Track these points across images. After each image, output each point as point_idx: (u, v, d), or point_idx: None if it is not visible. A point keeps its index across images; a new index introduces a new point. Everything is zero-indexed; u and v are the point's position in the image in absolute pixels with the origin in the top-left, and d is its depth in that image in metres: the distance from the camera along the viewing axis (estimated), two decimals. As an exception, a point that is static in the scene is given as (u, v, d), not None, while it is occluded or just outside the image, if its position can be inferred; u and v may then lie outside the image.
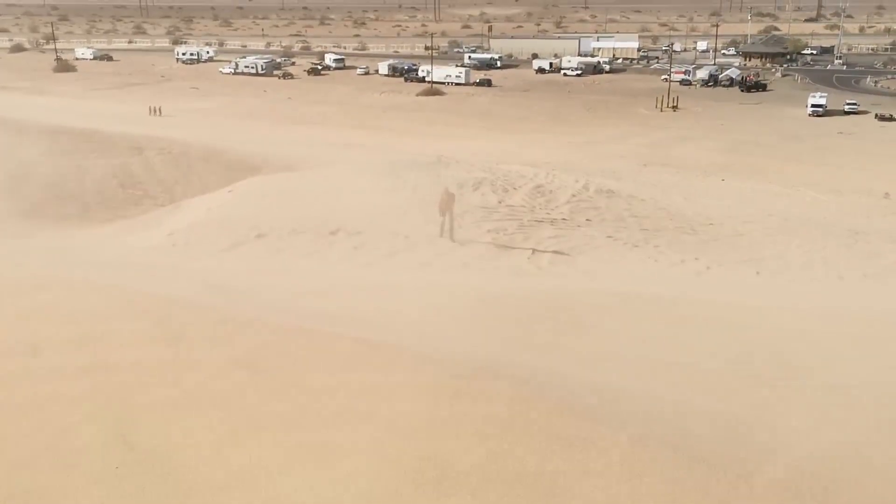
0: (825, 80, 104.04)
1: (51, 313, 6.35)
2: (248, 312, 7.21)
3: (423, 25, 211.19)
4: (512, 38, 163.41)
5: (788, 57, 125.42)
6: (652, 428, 4.64)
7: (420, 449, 3.99)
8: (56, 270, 9.62)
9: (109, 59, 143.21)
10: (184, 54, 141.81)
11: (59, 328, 5.91)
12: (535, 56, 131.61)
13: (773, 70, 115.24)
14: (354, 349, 5.70)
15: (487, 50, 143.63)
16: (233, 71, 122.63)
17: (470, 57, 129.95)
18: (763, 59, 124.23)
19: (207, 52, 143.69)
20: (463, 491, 3.57)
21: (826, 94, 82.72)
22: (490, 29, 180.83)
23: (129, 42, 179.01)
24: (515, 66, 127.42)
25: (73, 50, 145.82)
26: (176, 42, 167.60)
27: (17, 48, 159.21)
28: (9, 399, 4.69)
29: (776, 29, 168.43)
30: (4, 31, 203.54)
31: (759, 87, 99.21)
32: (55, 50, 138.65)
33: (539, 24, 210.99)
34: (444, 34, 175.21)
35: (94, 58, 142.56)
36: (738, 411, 5.57)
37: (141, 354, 5.39)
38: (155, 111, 75.37)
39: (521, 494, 3.55)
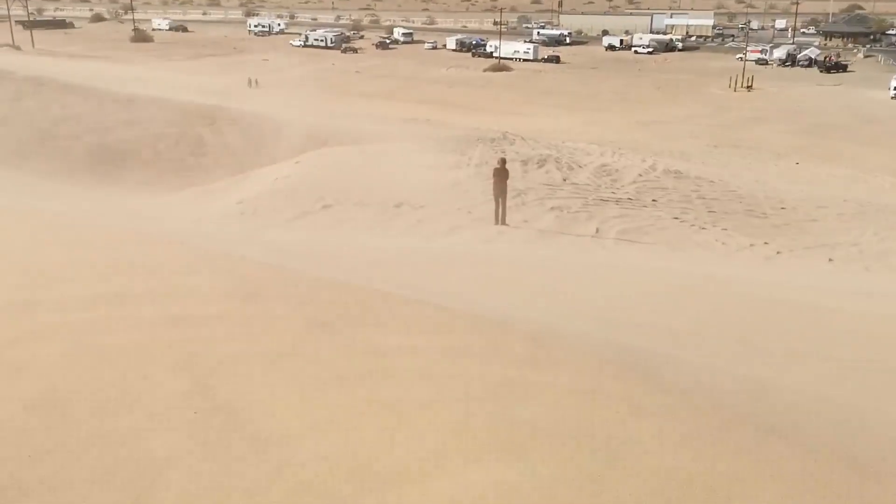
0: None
1: (134, 266, 6.61)
2: (319, 273, 7.37)
3: (493, 0, 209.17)
4: (582, 14, 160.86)
5: (872, 37, 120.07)
6: (723, 399, 4.62)
7: (490, 411, 4.06)
8: (135, 228, 9.99)
9: (184, 30, 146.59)
10: (256, 26, 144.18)
11: (140, 280, 6.15)
12: (605, 32, 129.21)
13: (855, 50, 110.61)
14: (425, 312, 5.79)
15: (557, 26, 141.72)
16: (303, 44, 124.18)
17: (539, 33, 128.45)
18: (844, 39, 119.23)
19: (279, 25, 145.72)
20: (533, 452, 3.62)
21: (911, 77, 79.10)
22: (560, 4, 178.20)
23: (204, 13, 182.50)
24: (585, 43, 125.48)
25: (149, 20, 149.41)
26: (248, 14, 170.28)
27: (97, 18, 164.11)
28: (94, 347, 4.92)
29: (860, 8, 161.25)
30: (85, 0, 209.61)
31: (840, 67, 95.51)
32: (133, 20, 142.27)
33: (611, 0, 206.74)
34: (513, 9, 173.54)
35: (170, 28, 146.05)
36: (814, 390, 5.49)
37: (219, 309, 5.59)
38: (253, 83, 77.53)
39: (596, 460, 3.58)
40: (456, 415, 3.96)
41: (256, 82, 78.31)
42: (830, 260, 19.30)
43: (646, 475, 3.48)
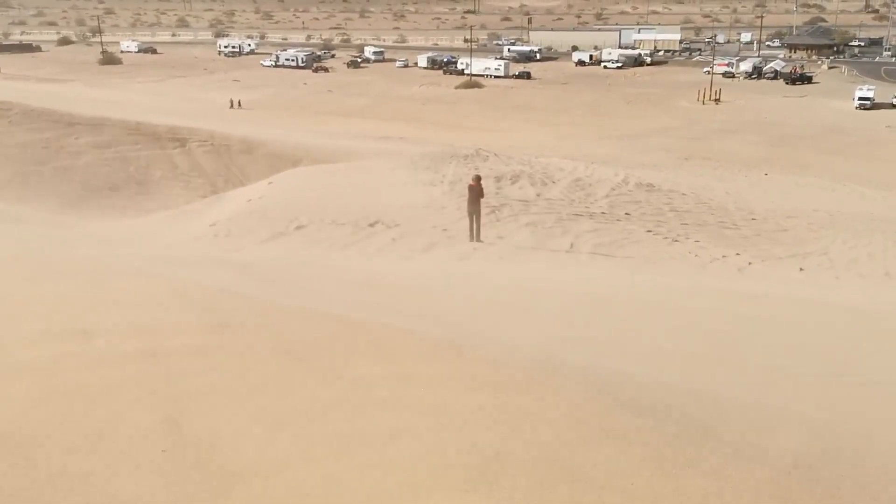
0: (873, 72, 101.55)
1: (100, 300, 6.51)
2: (292, 302, 7.32)
3: (463, 18, 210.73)
4: (552, 30, 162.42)
5: (835, 48, 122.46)
6: (695, 422, 4.63)
7: (462, 438, 4.03)
8: (104, 259, 9.86)
9: (154, 51, 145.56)
10: (226, 47, 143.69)
11: (107, 314, 6.05)
12: (574, 48, 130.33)
13: (819, 62, 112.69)
14: (395, 339, 5.76)
15: (527, 42, 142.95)
16: (273, 63, 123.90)
17: (509, 49, 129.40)
18: (809, 51, 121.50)
19: (249, 45, 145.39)
20: (507, 480, 3.60)
21: (874, 87, 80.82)
22: (530, 21, 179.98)
23: (173, 35, 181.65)
24: (555, 59, 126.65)
25: (118, 43, 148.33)
26: (218, 35, 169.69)
27: (65, 41, 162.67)
28: (59, 385, 4.83)
29: (822, 20, 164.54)
30: (52, 24, 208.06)
31: (805, 79, 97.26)
32: (101, 43, 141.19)
33: (579, 16, 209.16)
34: (483, 27, 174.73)
35: (139, 50, 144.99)
36: (781, 406, 5.53)
37: (190, 342, 5.51)
38: (236, 104, 77.22)
39: (565, 488, 3.57)
40: (429, 445, 3.94)
41: (240, 103, 78.02)
42: (801, 269, 19.54)
43: (617, 499, 3.48)
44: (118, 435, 4.18)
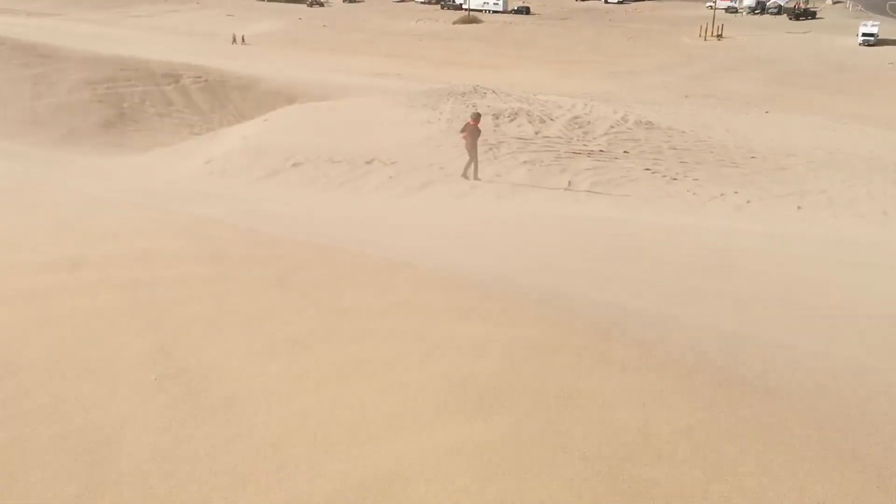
0: (878, 7, 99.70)
1: (91, 230, 6.46)
2: (286, 234, 7.28)
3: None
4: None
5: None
6: (688, 352, 4.64)
7: (453, 368, 4.03)
8: (96, 191, 9.77)
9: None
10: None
11: (100, 244, 6.01)
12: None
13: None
14: (388, 270, 5.75)
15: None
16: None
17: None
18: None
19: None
20: (499, 408, 3.61)
21: (878, 23, 79.44)
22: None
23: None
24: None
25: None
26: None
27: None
28: (49, 312, 4.81)
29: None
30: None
31: (809, 14, 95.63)
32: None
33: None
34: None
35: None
36: (771, 336, 5.54)
37: (181, 271, 5.49)
38: (239, 40, 75.06)
39: (560, 414, 3.58)
40: (420, 373, 3.94)
41: (243, 39, 76.24)
42: (799, 208, 19.50)
43: (609, 427, 3.49)
44: (110, 362, 4.18)
